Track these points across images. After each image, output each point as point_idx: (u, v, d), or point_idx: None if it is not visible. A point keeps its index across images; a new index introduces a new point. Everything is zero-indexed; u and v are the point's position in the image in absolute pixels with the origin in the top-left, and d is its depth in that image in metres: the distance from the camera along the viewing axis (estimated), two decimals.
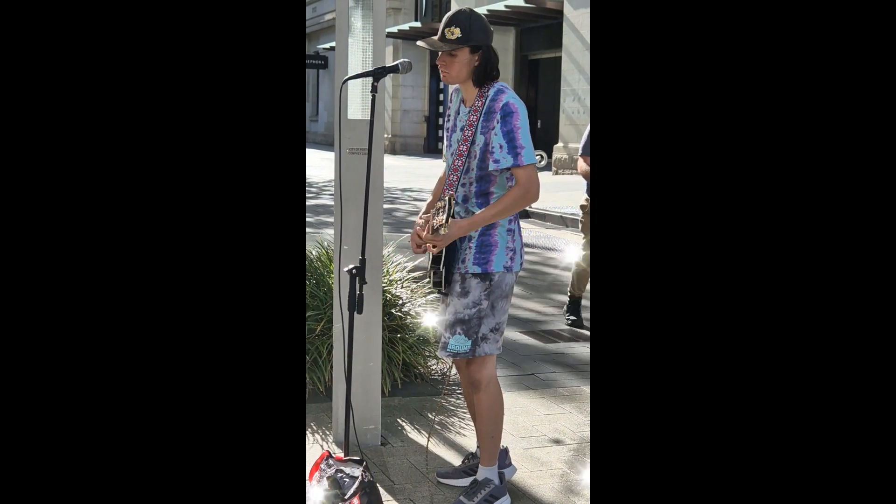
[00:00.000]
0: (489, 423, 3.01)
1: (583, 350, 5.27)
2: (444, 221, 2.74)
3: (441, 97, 25.54)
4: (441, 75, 2.93)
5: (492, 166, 2.83)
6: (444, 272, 2.91)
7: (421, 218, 3.01)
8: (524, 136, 2.81)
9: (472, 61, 2.84)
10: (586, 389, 4.42)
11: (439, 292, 3.05)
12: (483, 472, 3.03)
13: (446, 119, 3.11)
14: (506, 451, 3.26)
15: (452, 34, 2.81)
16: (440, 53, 2.87)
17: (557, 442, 3.70)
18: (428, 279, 3.14)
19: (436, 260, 2.93)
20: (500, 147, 2.80)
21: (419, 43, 2.99)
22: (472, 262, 2.89)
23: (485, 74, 2.87)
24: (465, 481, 3.14)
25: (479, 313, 2.89)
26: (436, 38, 2.86)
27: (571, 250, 9.16)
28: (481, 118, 2.84)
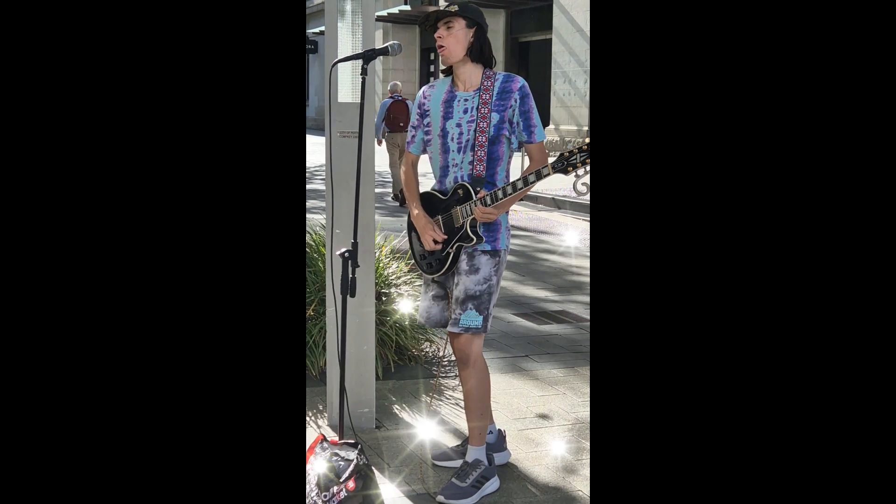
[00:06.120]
0: (477, 399, 3.06)
1: (576, 332, 5.28)
2: (474, 206, 2.87)
3: (432, 80, 25.28)
4: (439, 52, 2.99)
5: (523, 140, 3.01)
6: (452, 252, 2.98)
7: (423, 218, 3.03)
8: (537, 116, 3.00)
9: (468, 36, 2.95)
10: (580, 370, 4.44)
11: (434, 279, 3.10)
12: (472, 453, 3.06)
13: (422, 113, 3.10)
14: (503, 437, 3.29)
15: (452, 8, 2.94)
16: (439, 29, 2.96)
17: (552, 422, 3.72)
18: (420, 266, 3.15)
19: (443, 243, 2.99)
20: (517, 124, 2.96)
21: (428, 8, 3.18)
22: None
23: (481, 54, 2.98)
24: (459, 463, 3.16)
25: (490, 289, 2.99)
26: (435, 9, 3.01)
27: (571, 234, 9.18)
28: (494, 98, 2.95)
